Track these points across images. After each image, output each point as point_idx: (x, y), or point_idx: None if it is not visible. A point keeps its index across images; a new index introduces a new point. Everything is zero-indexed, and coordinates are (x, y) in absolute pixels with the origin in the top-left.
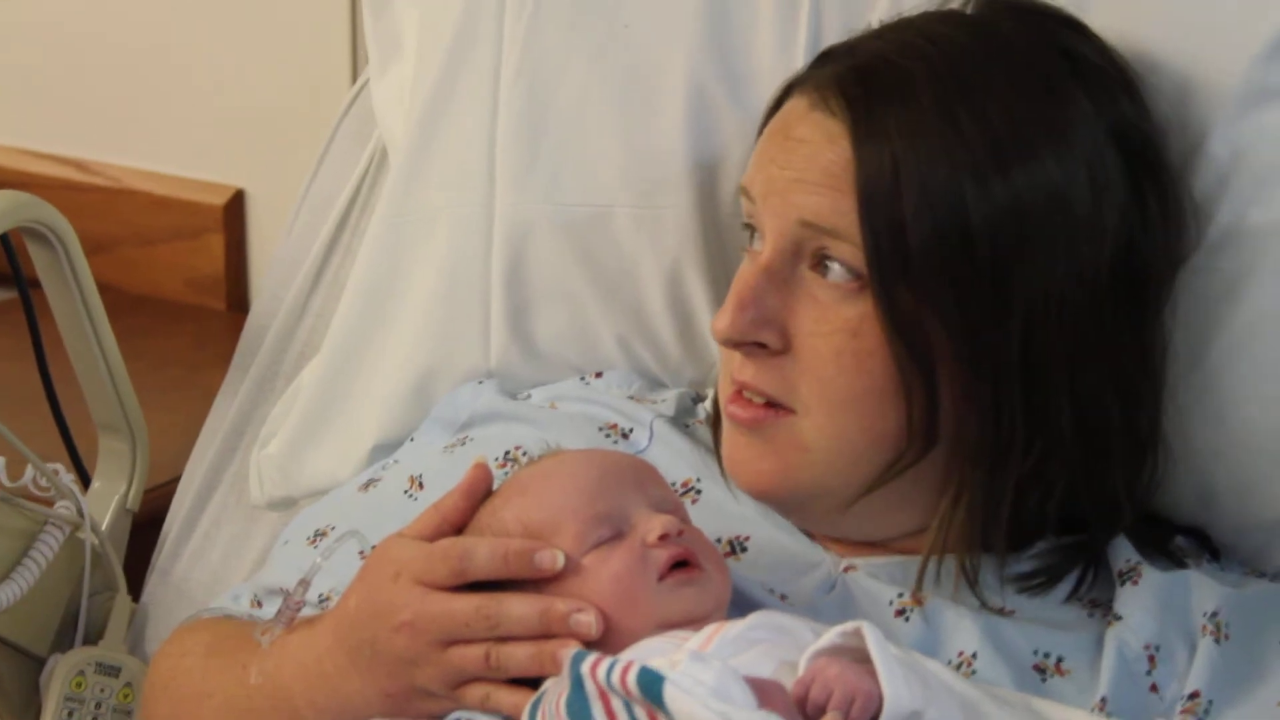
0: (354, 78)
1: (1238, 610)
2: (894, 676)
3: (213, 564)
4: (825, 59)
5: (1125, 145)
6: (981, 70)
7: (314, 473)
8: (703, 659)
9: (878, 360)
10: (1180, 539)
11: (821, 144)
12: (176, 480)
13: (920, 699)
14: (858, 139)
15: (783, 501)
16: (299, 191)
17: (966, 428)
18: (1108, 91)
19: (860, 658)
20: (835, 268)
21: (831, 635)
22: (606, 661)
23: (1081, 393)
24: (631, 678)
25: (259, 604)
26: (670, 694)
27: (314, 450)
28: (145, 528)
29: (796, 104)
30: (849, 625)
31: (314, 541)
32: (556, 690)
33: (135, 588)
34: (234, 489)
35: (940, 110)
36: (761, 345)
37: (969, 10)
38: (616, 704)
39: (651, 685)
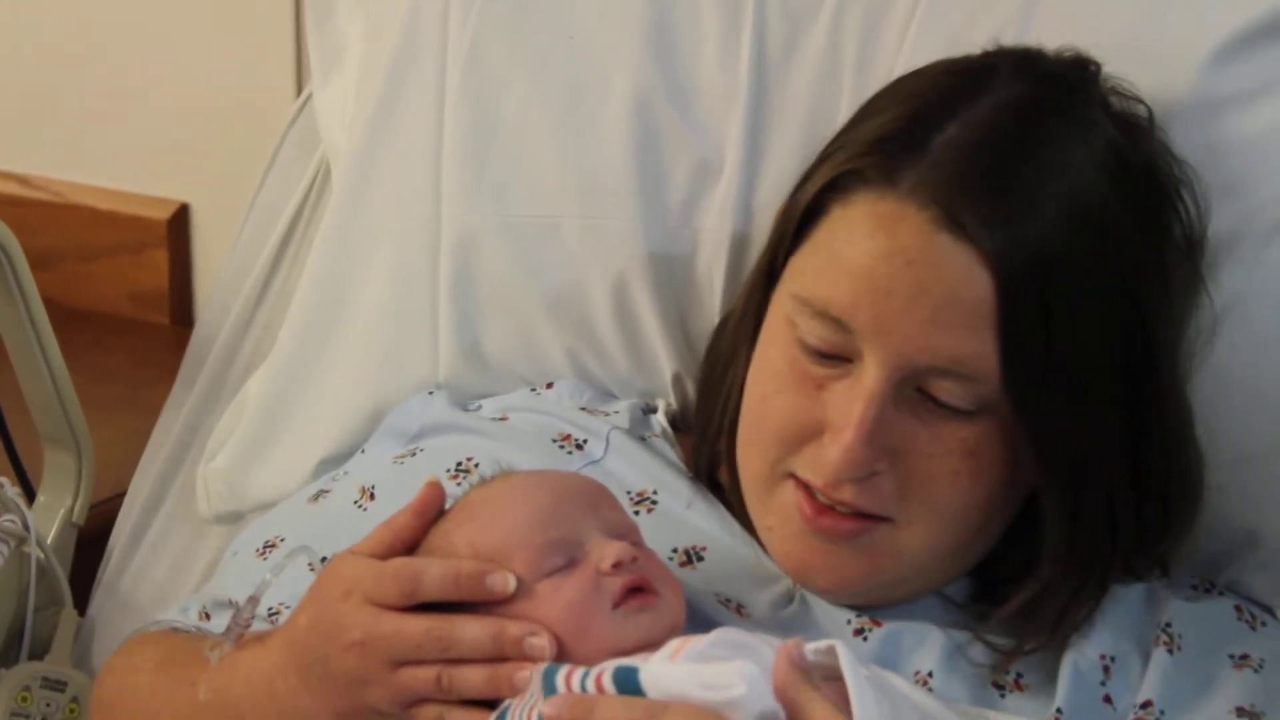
0: (298, 90)
1: (1190, 622)
2: (865, 700)
3: (159, 578)
4: (903, 148)
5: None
6: (1089, 171)
7: (261, 486)
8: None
9: (993, 474)
10: None
11: (960, 276)
12: (119, 496)
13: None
14: (1004, 275)
15: (857, 597)
16: (245, 205)
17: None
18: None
19: (829, 675)
20: (954, 394)
21: (805, 651)
22: (580, 670)
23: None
24: (607, 679)
25: (207, 616)
26: (648, 680)
27: (261, 463)
28: (90, 544)
29: (903, 215)
30: (822, 643)
31: (263, 553)
32: (525, 705)
33: (81, 602)
34: (180, 502)
35: (1075, 224)
36: (873, 474)
37: (1004, 81)
38: None
39: (628, 679)
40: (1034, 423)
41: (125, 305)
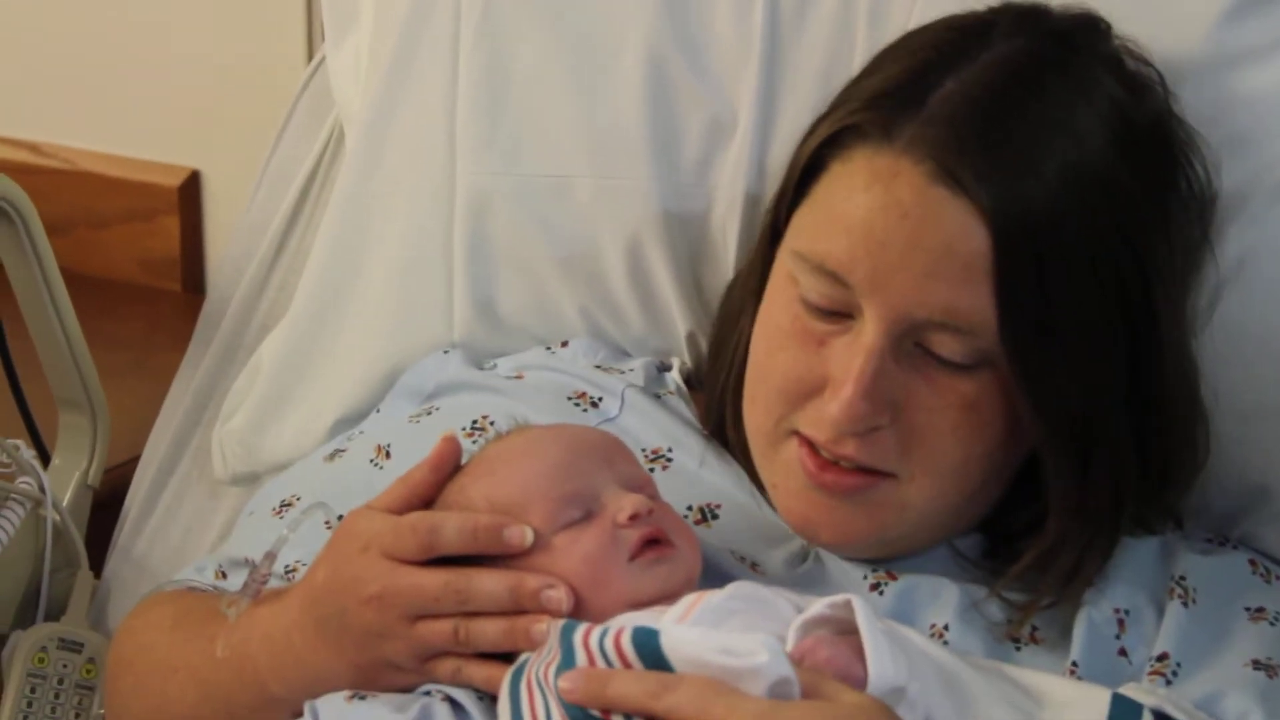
0: (309, 56)
1: (1204, 575)
2: (880, 655)
3: (175, 540)
4: (901, 104)
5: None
6: (1090, 128)
7: (277, 447)
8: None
9: (994, 429)
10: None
11: (954, 231)
12: (133, 461)
13: (905, 675)
14: (999, 227)
15: (863, 552)
16: (256, 171)
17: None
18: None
19: (844, 629)
20: (952, 349)
21: (820, 606)
22: (598, 629)
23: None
24: (626, 640)
25: (224, 575)
26: (668, 644)
27: (277, 425)
28: (105, 507)
29: (899, 169)
30: (839, 598)
31: (279, 512)
32: (543, 660)
33: (96, 565)
34: (196, 464)
35: (1072, 181)
36: (874, 428)
37: (1003, 37)
38: None
39: (647, 641)
40: (1031, 376)
41: (136, 272)
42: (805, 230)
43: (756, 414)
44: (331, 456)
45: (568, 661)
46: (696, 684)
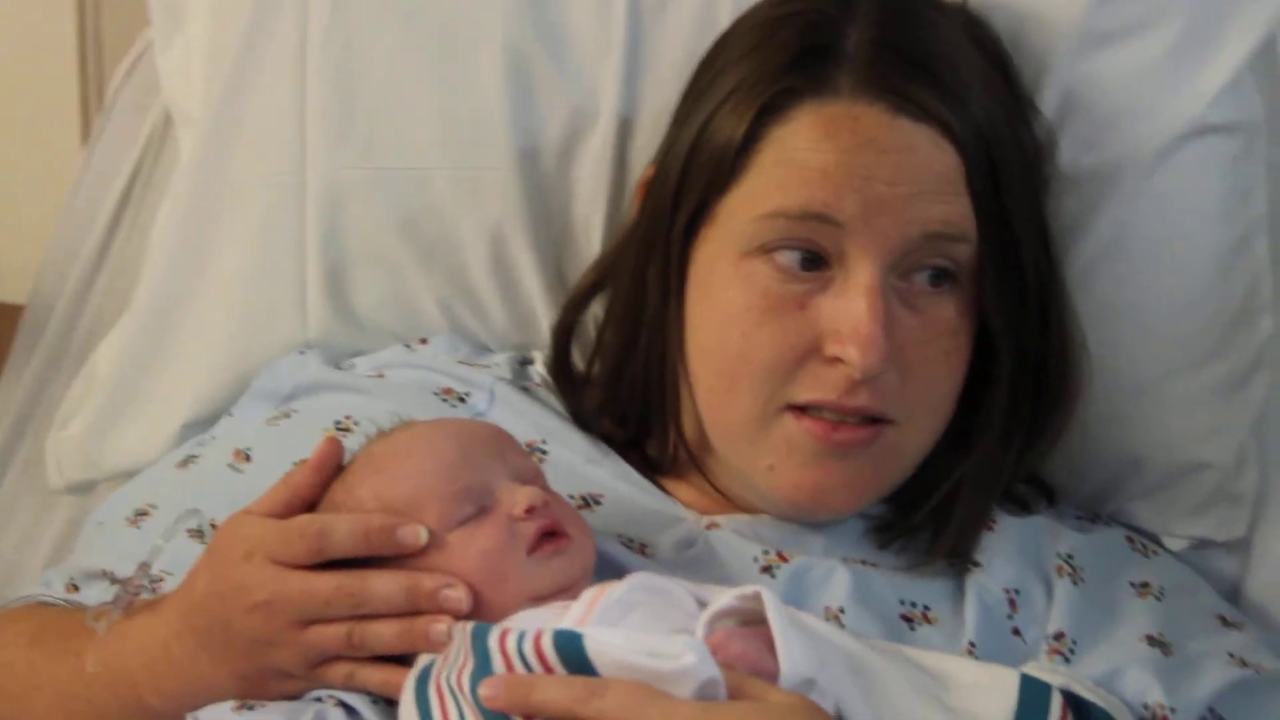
0: (81, 51)
1: (1088, 553)
2: (791, 647)
3: (7, 554)
4: (820, 59)
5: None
6: (970, 47)
7: (118, 453)
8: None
9: (967, 350)
10: (1019, 484)
11: (930, 151)
12: None
13: (815, 666)
14: (964, 141)
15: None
16: (25, 171)
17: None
18: None
19: (750, 619)
20: (926, 273)
21: (728, 598)
22: (515, 633)
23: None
24: (547, 643)
25: (75, 588)
26: (593, 647)
27: (118, 430)
28: None
29: (857, 113)
30: (748, 589)
31: (135, 521)
32: (453, 665)
33: None
34: (25, 474)
35: (990, 94)
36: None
37: None
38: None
39: (570, 645)
40: (1002, 286)
41: None
42: (765, 193)
43: (739, 402)
44: (184, 463)
45: (484, 668)
46: (626, 688)
